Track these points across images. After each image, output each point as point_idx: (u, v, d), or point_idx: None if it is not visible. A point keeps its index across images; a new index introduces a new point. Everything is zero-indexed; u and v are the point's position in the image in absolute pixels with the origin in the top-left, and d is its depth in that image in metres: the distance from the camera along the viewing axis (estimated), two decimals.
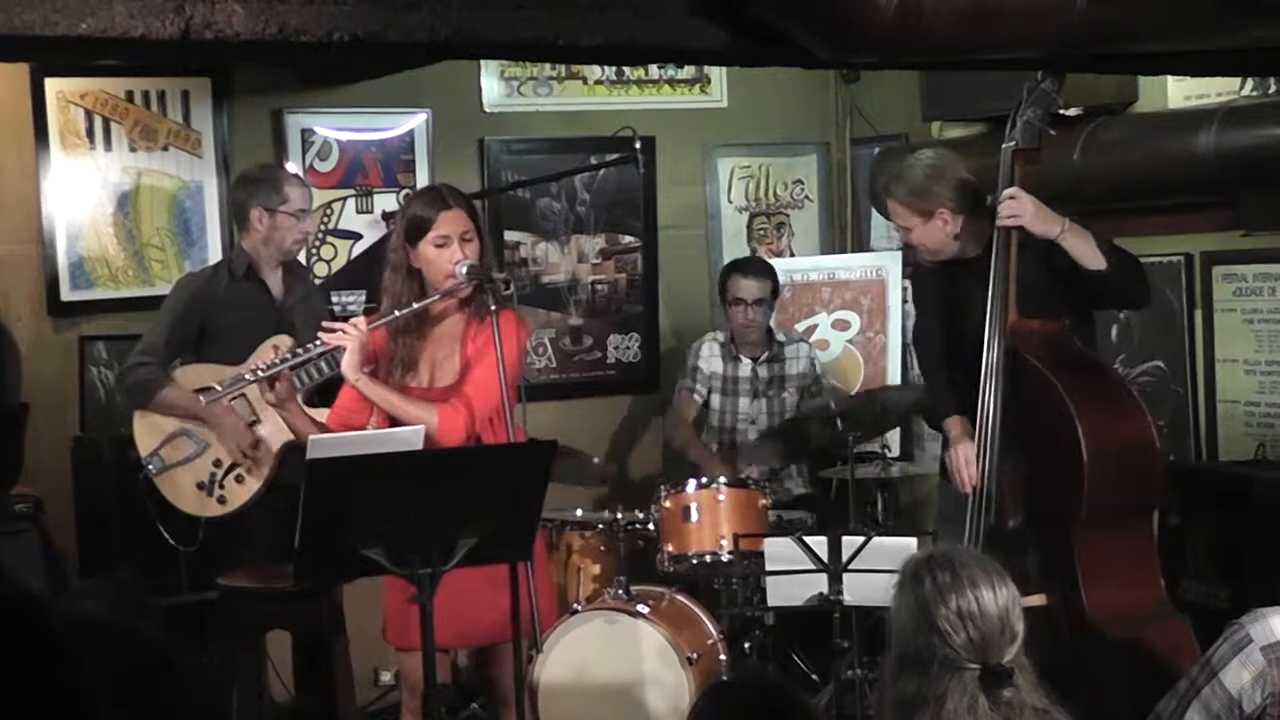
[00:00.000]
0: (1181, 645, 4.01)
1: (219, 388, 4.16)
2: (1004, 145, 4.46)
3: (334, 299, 5.98)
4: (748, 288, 6.09)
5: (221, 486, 5.06)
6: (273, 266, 5.22)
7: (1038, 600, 4.05)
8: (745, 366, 6.21)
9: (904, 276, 6.44)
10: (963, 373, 4.63)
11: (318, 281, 5.89)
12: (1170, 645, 4.03)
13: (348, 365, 3.97)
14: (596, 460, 6.03)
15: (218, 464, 5.07)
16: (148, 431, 5.13)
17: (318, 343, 4.04)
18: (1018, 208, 4.38)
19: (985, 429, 4.41)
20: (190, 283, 5.31)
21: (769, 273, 6.16)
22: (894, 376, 6.54)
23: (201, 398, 4.33)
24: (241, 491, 5.06)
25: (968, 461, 4.49)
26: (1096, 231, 4.45)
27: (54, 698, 1.40)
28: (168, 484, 5.10)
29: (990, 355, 4.42)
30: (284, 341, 4.91)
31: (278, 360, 4.00)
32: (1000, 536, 4.36)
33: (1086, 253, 4.39)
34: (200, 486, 5.07)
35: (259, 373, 3.99)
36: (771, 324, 6.30)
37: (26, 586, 1.49)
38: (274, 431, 4.96)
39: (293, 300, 5.24)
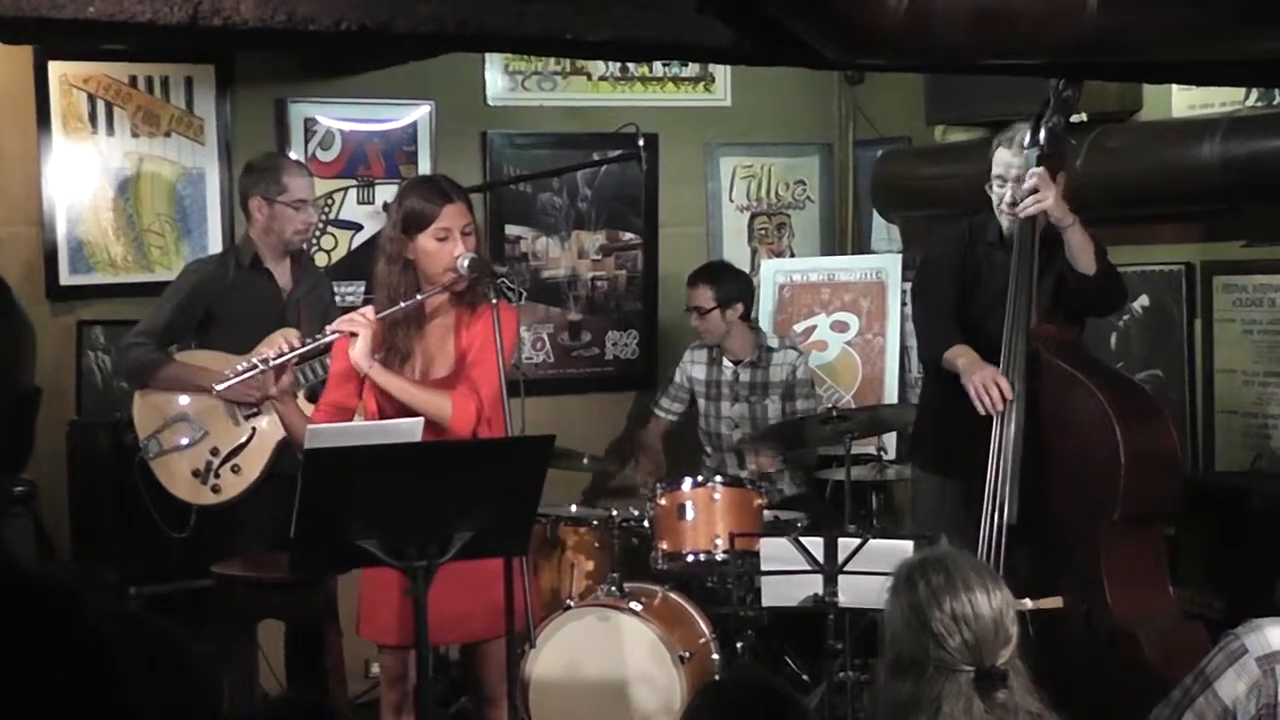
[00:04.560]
0: (1201, 648, 4.04)
1: (231, 375, 4.12)
2: (1026, 151, 4.47)
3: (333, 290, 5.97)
4: (690, 296, 6.15)
5: (217, 476, 5.05)
6: (277, 256, 5.21)
7: (1054, 603, 4.07)
8: (728, 370, 6.20)
9: (903, 278, 6.44)
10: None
11: None
12: (1191, 648, 4.05)
13: (360, 354, 3.95)
14: (586, 460, 6.03)
15: (214, 452, 5.06)
16: (147, 414, 5.12)
17: (328, 332, 4.02)
18: (1043, 191, 4.42)
19: (1003, 428, 4.40)
20: (199, 269, 5.29)
21: (713, 278, 6.13)
22: (892, 379, 6.54)
23: (216, 385, 4.29)
24: (237, 482, 5.05)
25: (996, 379, 4.43)
26: (1095, 236, 4.53)
27: (93, 701, 1.40)
28: (163, 469, 5.09)
29: (1011, 354, 4.42)
30: (291, 335, 4.90)
31: (287, 350, 3.97)
32: (1017, 538, 4.36)
33: (1084, 252, 4.46)
34: (195, 474, 5.06)
35: (270, 362, 3.96)
36: (766, 330, 6.30)
37: (58, 575, 1.48)
38: (272, 423, 4.96)
39: (300, 292, 5.23)
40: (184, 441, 5.07)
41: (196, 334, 5.20)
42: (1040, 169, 4.46)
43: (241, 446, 5.07)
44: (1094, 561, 4.31)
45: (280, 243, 5.18)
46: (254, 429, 5.06)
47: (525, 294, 4.18)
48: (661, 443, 6.42)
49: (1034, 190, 4.44)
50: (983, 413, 4.45)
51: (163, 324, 5.13)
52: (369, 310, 4.04)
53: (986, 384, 4.46)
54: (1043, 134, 4.47)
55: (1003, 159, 4.68)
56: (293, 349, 3.98)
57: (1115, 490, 4.27)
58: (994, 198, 4.70)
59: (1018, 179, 4.61)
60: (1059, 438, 4.41)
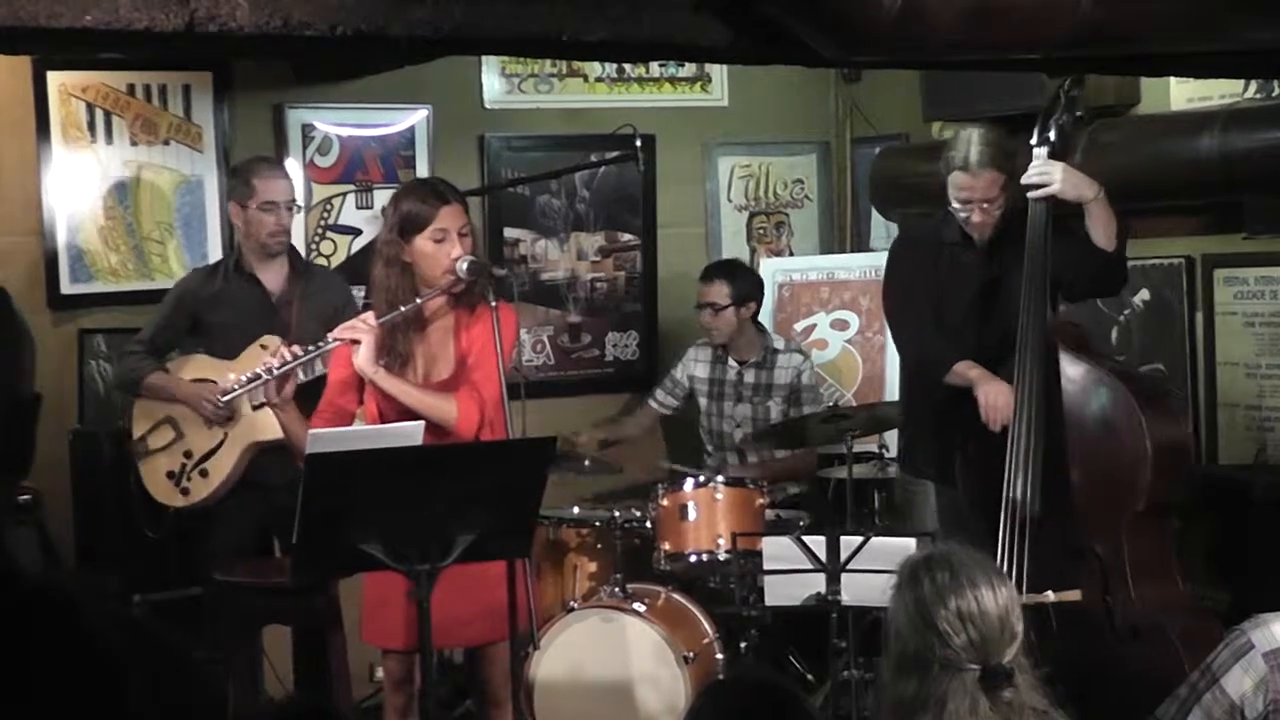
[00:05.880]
0: (1219, 640, 4.05)
1: (236, 387, 4.09)
2: (1035, 149, 4.46)
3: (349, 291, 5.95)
4: (703, 292, 6.13)
5: (188, 479, 5.09)
6: (261, 260, 5.21)
7: (1074, 595, 4.07)
8: (732, 370, 6.20)
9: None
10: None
11: None
12: (1211, 638, 4.05)
13: (364, 360, 3.94)
14: (588, 462, 6.02)
15: (188, 455, 5.09)
16: (141, 417, 5.19)
17: (330, 339, 4.01)
18: (1046, 174, 4.38)
19: (1023, 421, 4.40)
20: (188, 279, 5.37)
21: (730, 275, 6.13)
22: (893, 376, 6.53)
23: (221, 396, 4.30)
24: (203, 485, 5.08)
25: (1008, 398, 4.44)
26: (1118, 211, 4.50)
27: (93, 705, 1.40)
28: (147, 470, 5.16)
29: (1027, 346, 4.40)
30: (271, 342, 4.90)
31: (290, 359, 3.95)
32: (1037, 531, 4.36)
33: (1106, 227, 4.43)
34: (170, 476, 5.12)
35: (274, 371, 3.94)
36: (770, 332, 6.30)
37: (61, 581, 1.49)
38: (244, 428, 4.98)
39: (292, 295, 5.22)
40: (165, 444, 5.12)
41: (192, 340, 5.22)
42: (1043, 150, 4.43)
43: (212, 451, 5.09)
44: (1116, 553, 4.32)
45: (259, 246, 5.19)
46: (225, 434, 5.08)
47: (513, 284, 4.18)
48: (646, 435, 6.42)
49: (1041, 174, 4.41)
50: (994, 428, 4.47)
51: (152, 333, 5.21)
52: (370, 316, 4.03)
53: (998, 402, 4.47)
54: (1052, 132, 4.45)
55: (959, 182, 4.65)
56: (295, 356, 3.96)
57: (1143, 482, 4.28)
58: (959, 213, 4.71)
59: (981, 200, 4.61)
60: (1080, 430, 4.40)
